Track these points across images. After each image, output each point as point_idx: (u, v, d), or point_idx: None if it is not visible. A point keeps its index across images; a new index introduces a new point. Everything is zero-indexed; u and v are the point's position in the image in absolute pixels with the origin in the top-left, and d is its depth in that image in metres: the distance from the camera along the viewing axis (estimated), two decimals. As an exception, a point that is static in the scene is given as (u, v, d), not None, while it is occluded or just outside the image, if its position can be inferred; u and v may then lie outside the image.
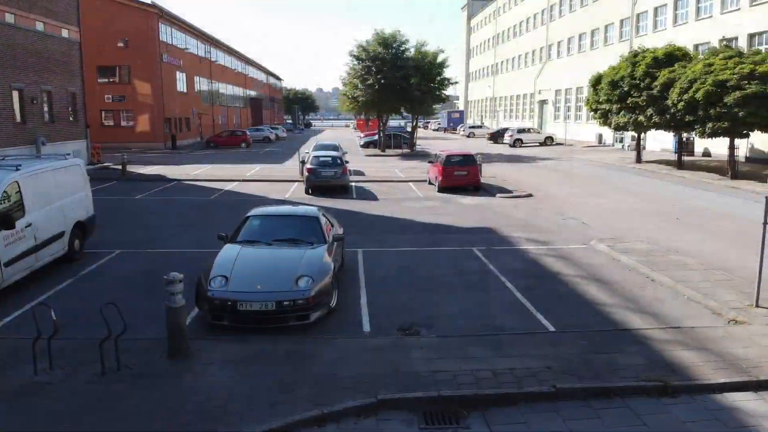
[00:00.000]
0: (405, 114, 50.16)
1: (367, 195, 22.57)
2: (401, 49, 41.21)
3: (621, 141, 46.28)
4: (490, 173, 27.21)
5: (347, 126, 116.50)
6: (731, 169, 25.67)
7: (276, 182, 26.22)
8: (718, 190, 23.05)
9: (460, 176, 22.93)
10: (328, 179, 22.56)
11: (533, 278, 11.13)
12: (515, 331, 8.40)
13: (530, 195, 22.12)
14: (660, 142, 40.25)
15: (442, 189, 22.98)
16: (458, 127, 77.10)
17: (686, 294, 10.09)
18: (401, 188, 24.55)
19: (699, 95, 24.05)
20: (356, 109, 49.35)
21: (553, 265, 12.12)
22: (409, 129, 49.90)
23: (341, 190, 22.77)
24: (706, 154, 35.95)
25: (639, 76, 29.01)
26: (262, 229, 10.14)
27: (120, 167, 28.22)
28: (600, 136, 50.18)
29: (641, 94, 28.60)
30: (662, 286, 10.60)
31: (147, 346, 7.79)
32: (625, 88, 29.89)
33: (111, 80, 47.65)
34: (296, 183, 25.40)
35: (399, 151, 44.80)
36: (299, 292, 8.25)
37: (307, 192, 22.64)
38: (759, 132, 24.99)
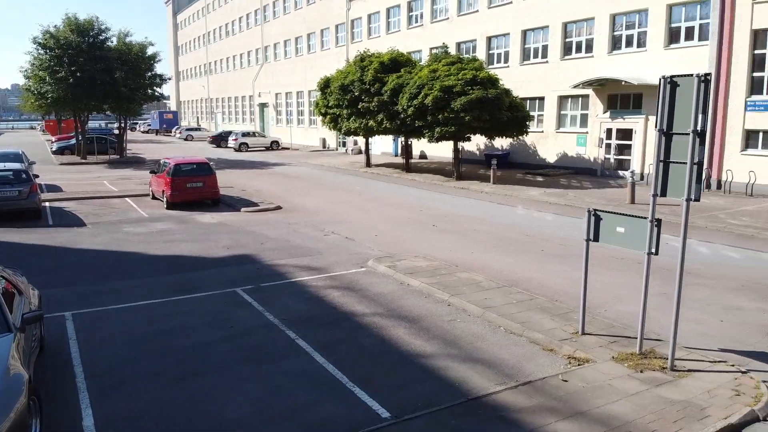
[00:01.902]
0: (109, 113, 43.05)
1: (69, 220, 17.29)
2: (101, 38, 34.76)
3: (344, 145, 47.04)
4: (225, 182, 23.89)
5: (33, 128, 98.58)
6: (456, 170, 26.94)
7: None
8: (451, 192, 23.68)
9: (195, 188, 19.24)
10: (8, 202, 16.64)
11: (328, 327, 8.58)
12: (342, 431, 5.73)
13: (279, 207, 19.59)
14: (379, 145, 41.63)
15: (173, 205, 18.98)
16: (173, 130, 70.56)
17: (502, 325, 8.70)
18: (117, 206, 19.69)
19: (428, 101, 24.47)
20: (45, 108, 40.52)
21: (342, 301, 9.75)
22: (115, 131, 42.97)
23: (30, 215, 17.05)
24: (423, 156, 38.07)
25: (369, 80, 28.74)
26: None
27: None
28: (324, 141, 50.41)
29: (372, 99, 28.37)
30: (471, 317, 9.08)
31: None
32: (356, 93, 29.42)
33: None
34: (-42, 207, 18.47)
35: (105, 157, 37.97)
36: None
37: (-25, 220, 16.38)
38: (480, 135, 26.65)
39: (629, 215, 7.67)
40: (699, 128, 6.67)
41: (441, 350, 7.79)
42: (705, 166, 22.76)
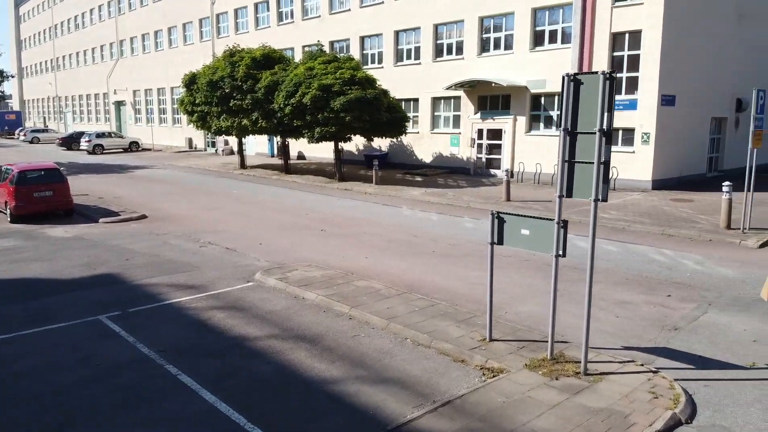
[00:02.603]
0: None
1: None
2: None
3: (214, 145, 44.83)
4: (79, 189, 21.47)
5: None
6: (338, 171, 26.33)
7: None
8: (335, 194, 23.03)
9: (44, 198, 16.88)
10: None
11: (216, 357, 7.52)
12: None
13: (144, 216, 17.75)
14: (253, 145, 40.11)
15: (19, 218, 16.53)
16: (17, 131, 63.08)
17: (408, 337, 8.17)
18: (-56, 222, 16.76)
19: (307, 99, 23.61)
20: None
21: (229, 323, 8.69)
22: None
23: None
24: (301, 157, 37.10)
25: (240, 77, 27.25)
26: None
27: None
28: (190, 141, 47.70)
29: (245, 96, 26.94)
30: (375, 330, 8.46)
31: None
32: (227, 90, 27.80)
33: None
34: None
35: (-71, 164, 32.82)
36: None
37: None
38: (360, 136, 26.22)
39: (534, 217, 7.44)
40: (605, 127, 6.55)
41: (349, 373, 7.07)
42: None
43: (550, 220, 7.11)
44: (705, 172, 24.72)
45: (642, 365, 7.06)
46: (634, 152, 21.93)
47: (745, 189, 14.20)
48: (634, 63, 21.62)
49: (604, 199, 6.70)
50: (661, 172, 21.96)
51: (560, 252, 7.04)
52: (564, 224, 7.02)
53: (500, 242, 7.71)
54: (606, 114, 6.53)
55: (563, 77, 6.86)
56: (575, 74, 6.77)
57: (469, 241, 14.32)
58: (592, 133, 6.63)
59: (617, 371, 6.89)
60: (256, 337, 8.15)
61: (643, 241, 14.17)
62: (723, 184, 14.72)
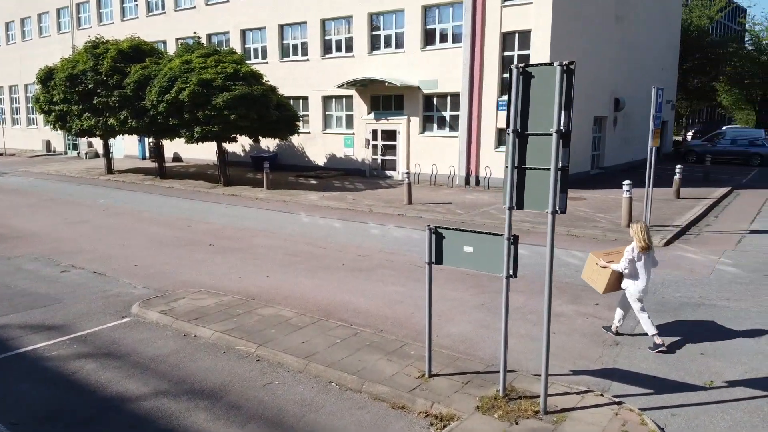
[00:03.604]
0: None
1: None
2: None
3: (76, 148, 40.55)
4: None
5: None
6: (223, 175, 24.22)
7: None
8: (222, 200, 20.99)
9: None
10: None
11: (87, 428, 5.74)
12: None
13: (-11, 235, 14.86)
14: (121, 147, 36.67)
15: None
16: None
17: (333, 380, 6.85)
18: None
19: (184, 96, 21.34)
20: None
21: (103, 378, 6.85)
22: None
23: None
24: (177, 159, 34.31)
25: (105, 71, 24.27)
26: None
27: None
28: (48, 143, 42.86)
29: (111, 93, 24.01)
30: (291, 373, 7.04)
31: None
32: (90, 85, 24.67)
33: None
34: None
35: None
36: None
37: None
38: (247, 136, 24.29)
39: (479, 232, 6.43)
40: (563, 127, 5.65)
41: (265, 437, 5.64)
42: (464, 163, 24.16)
43: (498, 235, 6.15)
44: (589, 169, 25.55)
45: (602, 395, 6.28)
46: (527, 151, 21.99)
47: (646, 186, 14.35)
48: (524, 63, 21.65)
49: (563, 211, 5.82)
50: (554, 170, 22.21)
51: (511, 272, 6.09)
52: (514, 240, 6.08)
53: (439, 261, 6.64)
54: (564, 112, 5.63)
55: (511, 69, 5.90)
56: (524, 66, 5.83)
57: (379, 250, 13.21)
58: (547, 134, 5.72)
59: (578, 406, 6.05)
60: (139, 395, 6.42)
61: (553, 243, 13.82)
62: (623, 182, 14.81)
